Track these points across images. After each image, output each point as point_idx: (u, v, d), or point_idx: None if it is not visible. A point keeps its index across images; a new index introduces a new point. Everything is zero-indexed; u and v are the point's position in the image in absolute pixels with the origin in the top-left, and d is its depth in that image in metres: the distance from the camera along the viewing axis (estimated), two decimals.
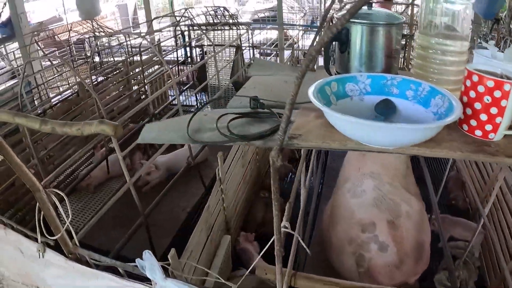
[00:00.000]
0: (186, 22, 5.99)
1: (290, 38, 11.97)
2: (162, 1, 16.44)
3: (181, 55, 6.60)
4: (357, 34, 1.54)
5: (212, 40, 5.18)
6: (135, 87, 5.96)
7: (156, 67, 6.55)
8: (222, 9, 5.92)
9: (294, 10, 14.10)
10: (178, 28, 6.17)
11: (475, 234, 2.71)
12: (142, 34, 4.85)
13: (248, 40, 5.92)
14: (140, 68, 5.55)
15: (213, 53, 6.06)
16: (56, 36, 9.47)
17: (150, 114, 5.56)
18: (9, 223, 1.99)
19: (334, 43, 1.68)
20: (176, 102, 6.64)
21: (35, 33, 7.88)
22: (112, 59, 7.21)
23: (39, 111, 5.05)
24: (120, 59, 7.13)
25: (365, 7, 1.61)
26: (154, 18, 5.46)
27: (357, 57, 1.57)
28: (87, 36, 7.85)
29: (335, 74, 1.65)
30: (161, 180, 4.55)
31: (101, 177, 4.69)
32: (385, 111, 1.28)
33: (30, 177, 1.56)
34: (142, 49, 5.44)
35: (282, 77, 2.10)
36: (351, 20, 1.49)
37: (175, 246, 1.82)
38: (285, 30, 11.35)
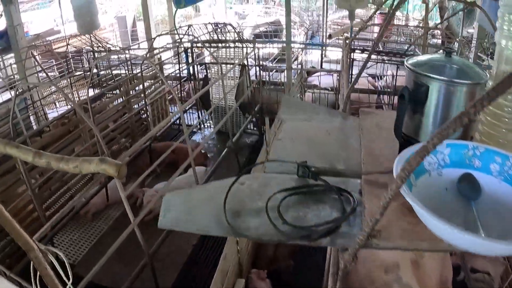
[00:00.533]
0: (189, 38, 5.77)
1: (292, 54, 11.85)
2: (161, 13, 16.24)
3: (182, 71, 6.37)
4: (436, 92, 1.28)
5: (218, 59, 4.94)
6: (135, 105, 5.72)
7: (157, 84, 6.33)
8: (228, 25, 5.69)
9: (296, 24, 13.96)
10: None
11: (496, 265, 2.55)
12: (144, 54, 4.62)
13: (255, 59, 5.68)
14: (141, 87, 5.30)
15: (217, 72, 5.84)
16: (51, 49, 9.23)
17: (152, 138, 5.30)
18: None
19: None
20: (178, 122, 6.46)
21: (33, 44, 7.64)
22: (110, 72, 6.96)
23: (34, 130, 4.82)
24: (119, 72, 6.90)
25: (441, 55, 1.35)
26: (157, 36, 5.20)
27: (432, 119, 1.31)
28: (85, 50, 7.61)
29: (402, 137, 1.38)
30: None
31: (100, 204, 4.44)
32: (471, 192, 1.05)
33: (22, 235, 1.35)
34: (143, 67, 5.21)
35: (321, 124, 1.88)
36: (430, 75, 1.25)
37: (181, 281, 1.58)
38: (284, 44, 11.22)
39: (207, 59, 5.99)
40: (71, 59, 7.71)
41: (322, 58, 11.02)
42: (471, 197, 1.05)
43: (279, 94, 6.18)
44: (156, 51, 5.60)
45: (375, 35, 12.20)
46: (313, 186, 1.32)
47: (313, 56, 10.86)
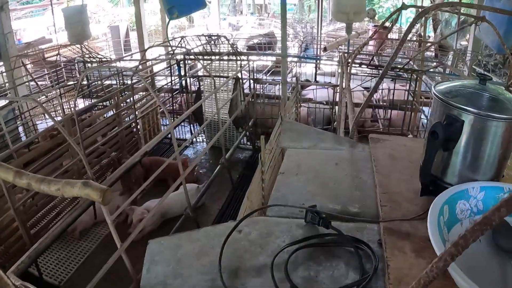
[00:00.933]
0: (182, 50, 5.64)
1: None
2: (154, 23, 16.13)
3: (174, 83, 6.23)
4: (470, 127, 1.11)
5: (211, 72, 4.82)
6: (126, 118, 5.56)
7: (148, 96, 6.18)
8: (222, 37, 5.57)
9: (290, 36, 13.88)
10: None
11: None
12: (133, 68, 4.49)
13: (249, 72, 5.57)
14: (131, 101, 5.16)
15: (210, 84, 5.70)
16: (43, 58, 9.08)
17: (142, 154, 5.13)
18: None
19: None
20: (169, 136, 6.29)
21: (23, 53, 7.48)
22: (101, 83, 6.80)
23: (21, 142, 4.65)
24: (110, 82, 6.74)
25: (474, 82, 1.20)
26: (149, 47, 5.07)
27: (461, 158, 1.15)
28: (76, 60, 7.44)
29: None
30: (154, 228, 4.12)
31: (88, 222, 4.25)
32: (508, 244, 0.91)
33: None
34: (135, 79, 5.07)
35: (328, 153, 1.74)
36: (467, 108, 1.09)
37: None
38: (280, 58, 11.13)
39: (200, 71, 5.86)
40: (62, 69, 7.55)
41: (316, 70, 10.94)
42: (508, 249, 0.91)
43: (273, 108, 6.06)
44: (148, 63, 5.47)
45: (369, 47, 12.16)
46: (324, 235, 1.16)
47: (307, 69, 10.77)
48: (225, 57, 5.47)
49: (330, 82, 10.20)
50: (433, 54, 11.17)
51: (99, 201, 2.09)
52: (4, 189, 3.24)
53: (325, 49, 8.81)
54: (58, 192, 2.16)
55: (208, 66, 5.45)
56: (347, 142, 1.89)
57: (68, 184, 2.11)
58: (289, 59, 11.93)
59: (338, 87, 5.55)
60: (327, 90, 7.72)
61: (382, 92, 7.58)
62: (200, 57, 5.42)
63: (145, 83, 3.28)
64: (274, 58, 10.57)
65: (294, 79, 8.14)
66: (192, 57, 5.46)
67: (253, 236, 1.16)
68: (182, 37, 5.44)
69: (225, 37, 5.42)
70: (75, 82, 6.79)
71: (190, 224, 4.09)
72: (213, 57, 5.32)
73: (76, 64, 7.13)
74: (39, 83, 7.57)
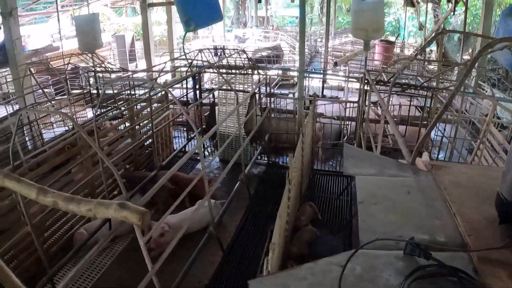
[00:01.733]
0: (199, 62, 5.57)
1: (291, 78, 11.75)
2: (159, 33, 16.13)
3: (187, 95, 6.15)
4: None
5: (232, 86, 4.73)
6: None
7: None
8: (241, 51, 5.48)
9: (295, 50, 13.89)
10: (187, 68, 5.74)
11: None
12: (161, 84, 4.39)
13: (266, 87, 5.49)
14: (148, 111, 5.05)
15: (224, 97, 5.62)
16: (49, 66, 8.99)
17: (157, 166, 5.03)
18: None
19: None
20: (184, 149, 6.19)
21: (31, 61, 7.38)
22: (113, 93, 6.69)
23: (32, 154, 4.53)
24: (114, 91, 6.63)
25: None
26: (169, 60, 4.98)
27: None
28: (84, 69, 7.32)
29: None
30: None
31: (103, 237, 4.10)
32: None
33: None
34: (151, 93, 4.97)
35: (396, 181, 1.75)
36: None
37: None
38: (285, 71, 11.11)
39: (208, 83, 5.77)
40: (67, 78, 7.45)
41: (323, 84, 10.91)
42: None
43: (288, 123, 5.97)
44: (165, 74, 5.38)
45: (375, 62, 12.16)
46: (426, 267, 1.15)
47: (313, 82, 10.73)
48: (242, 71, 5.39)
49: (337, 97, 10.18)
50: (435, 68, 11.16)
51: (138, 224, 1.98)
52: (22, 205, 3.09)
53: (335, 64, 8.77)
54: (89, 213, 2.03)
55: (219, 79, 5.38)
56: (409, 169, 1.90)
57: (101, 205, 1.98)
58: (295, 72, 11.98)
59: (358, 103, 5.46)
60: (338, 105, 7.67)
61: (393, 107, 7.55)
62: (221, 70, 5.35)
63: (174, 97, 3.19)
64: (280, 72, 10.56)
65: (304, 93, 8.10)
66: (210, 70, 5.37)
67: (358, 271, 1.14)
68: (200, 50, 5.36)
69: (244, 51, 5.35)
70: (85, 91, 6.70)
71: (210, 241, 3.98)
72: (233, 71, 5.24)
73: (87, 73, 7.01)
74: (45, 91, 7.48)
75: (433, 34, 13.51)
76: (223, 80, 5.60)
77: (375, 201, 1.55)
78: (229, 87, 4.86)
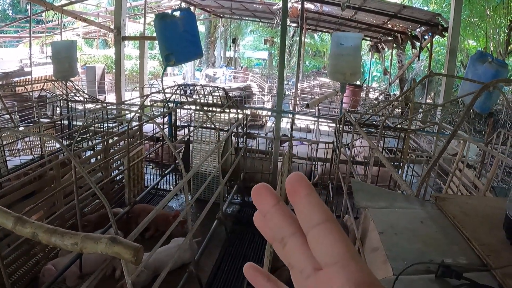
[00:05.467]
0: (176, 97, 5.54)
1: (260, 118, 11.87)
2: (128, 67, 16.06)
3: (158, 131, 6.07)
4: None
5: (210, 123, 4.71)
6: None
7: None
8: (221, 90, 5.50)
9: (266, 91, 14.14)
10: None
11: None
12: (149, 116, 4.33)
13: (243, 127, 5.50)
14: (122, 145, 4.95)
15: (198, 134, 5.59)
16: (15, 92, 8.74)
17: (129, 202, 4.87)
18: None
19: None
20: (156, 186, 6.07)
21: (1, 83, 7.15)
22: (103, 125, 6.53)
23: None
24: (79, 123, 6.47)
25: None
26: (150, 94, 4.92)
27: None
28: (57, 97, 7.15)
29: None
30: (144, 284, 3.82)
31: (72, 275, 3.89)
32: None
33: None
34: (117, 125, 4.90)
35: (406, 212, 1.88)
36: None
37: None
38: (255, 111, 11.22)
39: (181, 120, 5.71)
40: (38, 105, 7.24)
41: (292, 125, 11.02)
42: None
43: (263, 163, 5.98)
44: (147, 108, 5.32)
45: (344, 105, 12.46)
46: (459, 286, 1.25)
47: (282, 123, 10.85)
48: (218, 109, 5.40)
49: (305, 138, 10.32)
50: (399, 111, 11.50)
51: (132, 261, 1.87)
52: None
53: (307, 106, 8.93)
54: (74, 247, 1.91)
55: (195, 116, 5.33)
56: (416, 201, 2.03)
57: (90, 238, 1.87)
58: (264, 113, 12.11)
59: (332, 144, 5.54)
60: (307, 146, 7.78)
61: (359, 149, 7.71)
62: (194, 106, 5.33)
63: (161, 130, 3.13)
64: (249, 112, 10.65)
65: (270, 134, 8.22)
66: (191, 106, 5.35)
67: None
68: (179, 85, 5.35)
69: (223, 89, 5.37)
70: (57, 119, 6.53)
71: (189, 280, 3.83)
72: (213, 108, 5.24)
73: (58, 102, 6.84)
74: (7, 117, 7.22)
75: (402, 77, 14.13)
76: (202, 117, 5.61)
77: (395, 231, 1.64)
78: (209, 125, 4.83)
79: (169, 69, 17.30)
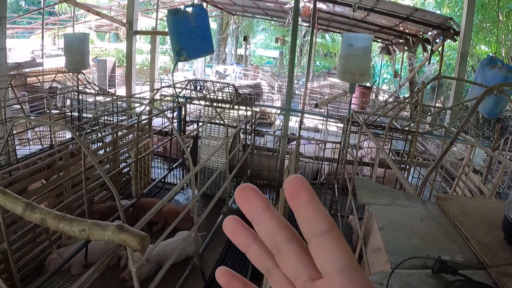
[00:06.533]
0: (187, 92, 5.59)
1: (269, 117, 11.90)
2: (139, 62, 16.15)
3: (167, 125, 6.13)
4: None
5: (220, 119, 4.75)
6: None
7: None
8: (230, 86, 5.54)
9: (275, 90, 14.15)
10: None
11: None
12: (160, 109, 4.37)
13: (252, 125, 5.53)
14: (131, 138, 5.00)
15: (206, 130, 5.63)
16: (29, 80, 8.84)
17: (136, 194, 4.93)
18: None
19: None
20: (163, 180, 6.12)
21: (13, 73, 7.22)
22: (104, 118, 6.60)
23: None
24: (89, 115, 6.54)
25: None
26: (161, 88, 4.96)
27: None
28: (67, 89, 7.23)
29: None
30: (150, 274, 3.87)
31: (78, 263, 3.95)
32: None
33: None
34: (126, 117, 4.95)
35: (408, 209, 1.91)
36: None
37: None
38: (264, 108, 11.25)
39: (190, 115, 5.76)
40: (49, 96, 7.31)
41: (300, 124, 11.05)
42: None
43: (270, 160, 6.01)
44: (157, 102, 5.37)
45: (352, 106, 12.46)
46: (454, 282, 1.28)
47: (290, 122, 10.89)
48: (227, 105, 5.44)
49: (313, 137, 10.34)
50: (409, 114, 11.48)
51: (138, 249, 1.91)
52: (1, 219, 2.84)
53: (316, 106, 8.95)
54: (82, 234, 1.94)
55: (203, 112, 5.37)
56: (417, 200, 2.06)
57: (97, 226, 1.91)
58: (273, 111, 12.13)
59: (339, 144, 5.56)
60: (314, 146, 7.81)
61: (367, 150, 7.73)
62: (203, 102, 5.37)
63: (171, 124, 3.17)
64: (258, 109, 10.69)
65: (278, 132, 8.25)
66: (201, 101, 5.39)
67: None
68: (190, 80, 5.39)
69: (233, 86, 5.41)
70: (67, 111, 6.60)
71: (190, 271, 3.88)
72: (222, 105, 5.28)
73: (69, 93, 6.91)
74: (17, 107, 7.30)
75: (413, 80, 14.09)
76: (212, 112, 5.65)
77: (394, 227, 1.67)
78: (218, 121, 4.87)
79: (179, 64, 17.39)
